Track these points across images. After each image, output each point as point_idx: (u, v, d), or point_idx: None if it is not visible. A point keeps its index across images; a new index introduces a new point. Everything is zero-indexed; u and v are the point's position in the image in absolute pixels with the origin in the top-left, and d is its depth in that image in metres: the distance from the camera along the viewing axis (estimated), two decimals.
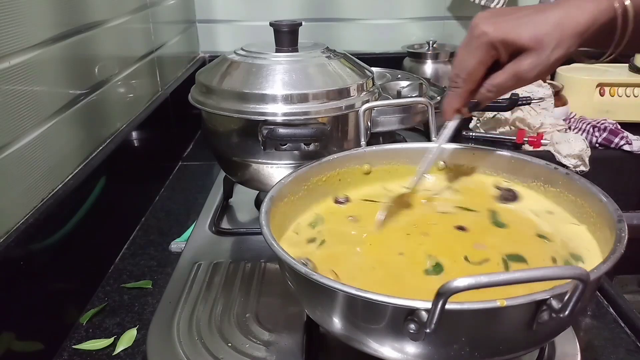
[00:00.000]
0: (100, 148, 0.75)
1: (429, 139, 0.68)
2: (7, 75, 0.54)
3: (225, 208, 0.82)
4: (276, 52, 0.72)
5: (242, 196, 0.84)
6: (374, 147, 0.65)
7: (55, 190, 0.63)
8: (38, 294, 0.57)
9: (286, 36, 0.72)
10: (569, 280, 0.36)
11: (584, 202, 0.53)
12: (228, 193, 0.84)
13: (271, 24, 0.73)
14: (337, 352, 0.54)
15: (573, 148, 0.99)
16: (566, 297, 0.36)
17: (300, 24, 0.73)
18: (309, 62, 0.70)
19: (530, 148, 1.05)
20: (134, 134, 0.86)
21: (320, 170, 0.61)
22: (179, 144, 1.13)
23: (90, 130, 0.73)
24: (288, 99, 0.66)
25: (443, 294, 0.34)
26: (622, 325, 0.60)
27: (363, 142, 0.66)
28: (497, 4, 1.17)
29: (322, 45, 0.75)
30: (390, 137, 0.97)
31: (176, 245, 0.76)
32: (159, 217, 0.86)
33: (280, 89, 0.66)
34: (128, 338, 0.59)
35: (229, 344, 0.53)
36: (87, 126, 0.72)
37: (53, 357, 0.57)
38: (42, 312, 0.57)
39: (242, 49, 0.73)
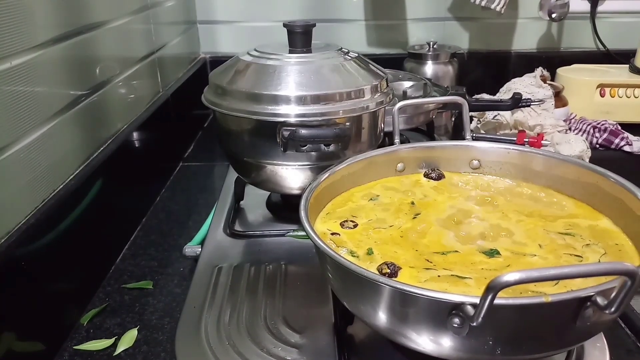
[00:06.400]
0: (102, 149, 0.76)
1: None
2: (8, 76, 0.54)
3: (237, 210, 0.81)
4: (290, 53, 0.71)
5: (252, 198, 0.83)
6: (409, 145, 0.65)
7: (57, 190, 0.63)
8: (39, 294, 0.57)
9: (300, 37, 0.72)
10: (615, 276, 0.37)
11: (620, 195, 0.53)
12: (240, 195, 0.83)
13: (285, 25, 0.73)
14: (366, 352, 0.54)
15: (573, 149, 0.99)
16: (613, 294, 0.36)
17: (314, 25, 0.73)
18: (326, 63, 0.69)
19: None
20: (135, 135, 0.86)
21: (353, 169, 0.61)
22: (180, 144, 1.13)
23: (91, 131, 0.73)
24: (307, 100, 0.66)
25: (492, 289, 0.34)
26: (622, 325, 0.60)
27: (397, 140, 0.66)
28: (497, 5, 1.17)
29: (335, 45, 0.75)
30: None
31: (190, 249, 0.73)
32: (159, 218, 0.86)
33: (299, 90, 0.66)
34: (129, 338, 0.59)
35: (262, 348, 0.53)
36: (88, 127, 0.72)
37: (54, 357, 0.57)
38: (42, 313, 0.57)
39: (255, 50, 0.73)
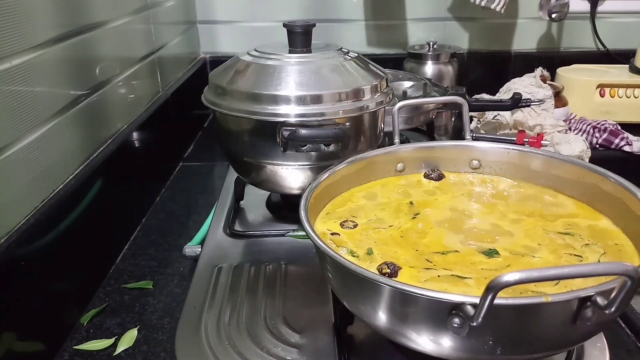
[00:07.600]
0: (101, 149, 0.76)
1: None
2: (8, 76, 0.54)
3: (237, 210, 0.81)
4: (289, 53, 0.71)
5: (252, 198, 0.83)
6: (409, 145, 0.65)
7: (57, 190, 0.63)
8: (39, 294, 0.57)
9: (300, 37, 0.72)
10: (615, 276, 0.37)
11: (620, 196, 0.53)
12: (240, 195, 0.83)
13: (285, 25, 0.73)
14: (366, 352, 0.54)
15: (573, 149, 0.99)
16: (613, 294, 0.36)
17: (314, 25, 0.73)
18: (326, 63, 0.69)
19: None
20: (135, 135, 0.86)
21: (353, 169, 0.61)
22: (180, 144, 1.13)
23: (91, 131, 0.73)
24: (306, 100, 0.66)
25: (492, 289, 0.34)
26: (622, 325, 0.60)
27: (397, 140, 0.66)
28: (497, 5, 1.17)
29: (335, 45, 0.75)
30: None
31: (190, 249, 0.73)
32: (159, 218, 0.86)
33: (298, 90, 0.66)
34: (129, 338, 0.59)
35: (262, 348, 0.53)
36: (88, 127, 0.72)
37: (54, 357, 0.57)
38: (42, 313, 0.57)
39: (255, 50, 0.73)
